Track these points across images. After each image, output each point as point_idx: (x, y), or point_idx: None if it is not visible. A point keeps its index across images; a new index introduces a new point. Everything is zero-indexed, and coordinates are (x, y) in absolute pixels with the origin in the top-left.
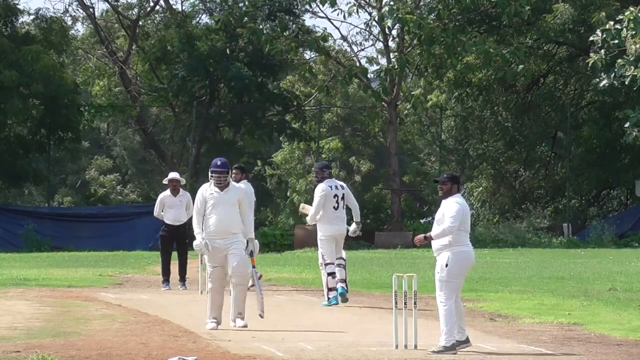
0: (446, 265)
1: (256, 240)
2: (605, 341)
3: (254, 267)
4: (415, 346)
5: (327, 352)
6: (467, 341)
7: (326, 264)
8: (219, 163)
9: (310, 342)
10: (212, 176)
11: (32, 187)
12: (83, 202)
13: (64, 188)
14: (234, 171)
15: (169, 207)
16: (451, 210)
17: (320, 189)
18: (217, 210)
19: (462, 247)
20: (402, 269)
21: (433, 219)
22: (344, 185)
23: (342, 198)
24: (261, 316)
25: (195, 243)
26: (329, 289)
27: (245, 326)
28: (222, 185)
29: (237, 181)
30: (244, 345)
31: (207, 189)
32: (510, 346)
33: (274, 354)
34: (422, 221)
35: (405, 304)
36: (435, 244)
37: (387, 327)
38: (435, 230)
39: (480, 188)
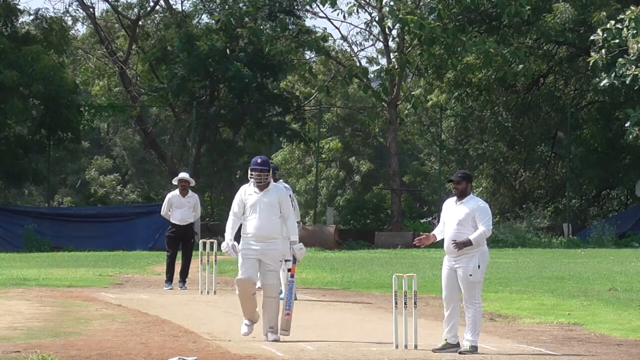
0: (478, 267)
1: (301, 245)
2: (605, 341)
3: (292, 276)
4: (415, 346)
5: (327, 352)
6: (458, 345)
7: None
8: (259, 161)
9: (310, 342)
10: (251, 175)
11: (32, 187)
12: (83, 202)
13: (64, 188)
14: None
15: (176, 207)
16: (485, 213)
17: None
18: (256, 213)
19: (486, 246)
20: (402, 269)
21: (434, 219)
22: (289, 187)
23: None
24: (284, 333)
25: (222, 245)
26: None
27: (277, 340)
28: (262, 185)
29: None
30: (244, 345)
31: (247, 190)
32: (510, 346)
33: (274, 354)
34: (422, 221)
35: (405, 304)
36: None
37: (387, 327)
38: (472, 234)
39: (481, 188)
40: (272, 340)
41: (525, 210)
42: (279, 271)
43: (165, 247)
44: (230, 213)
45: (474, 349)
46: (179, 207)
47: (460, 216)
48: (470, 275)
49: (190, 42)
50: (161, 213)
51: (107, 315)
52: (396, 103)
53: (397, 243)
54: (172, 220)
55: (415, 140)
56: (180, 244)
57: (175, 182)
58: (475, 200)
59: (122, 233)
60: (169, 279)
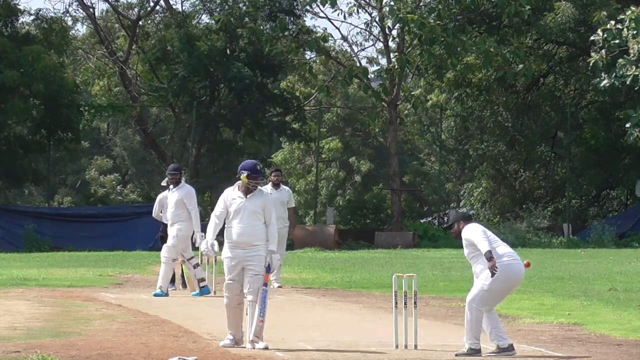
0: (492, 275)
1: (278, 255)
2: (605, 341)
3: (265, 285)
4: (415, 346)
5: (327, 352)
6: (511, 348)
7: (189, 259)
8: (258, 167)
9: (310, 342)
10: (250, 182)
11: (32, 187)
12: (83, 202)
13: (64, 188)
14: (273, 174)
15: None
16: (475, 239)
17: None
18: (239, 218)
19: (510, 261)
20: (402, 269)
21: (434, 218)
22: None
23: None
24: (254, 342)
25: (202, 246)
26: (200, 280)
27: (267, 348)
28: (250, 191)
29: (278, 183)
30: (244, 345)
31: (231, 194)
32: None
33: (274, 354)
34: (422, 221)
35: (405, 304)
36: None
37: (387, 327)
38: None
39: (480, 188)
40: (262, 348)
41: (525, 210)
42: (264, 275)
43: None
44: (212, 215)
45: (471, 352)
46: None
47: (466, 251)
48: (484, 279)
49: (191, 42)
50: (153, 215)
51: (107, 315)
52: (396, 103)
53: (397, 243)
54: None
55: (415, 140)
56: None
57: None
58: (465, 232)
59: (122, 233)
60: (172, 280)
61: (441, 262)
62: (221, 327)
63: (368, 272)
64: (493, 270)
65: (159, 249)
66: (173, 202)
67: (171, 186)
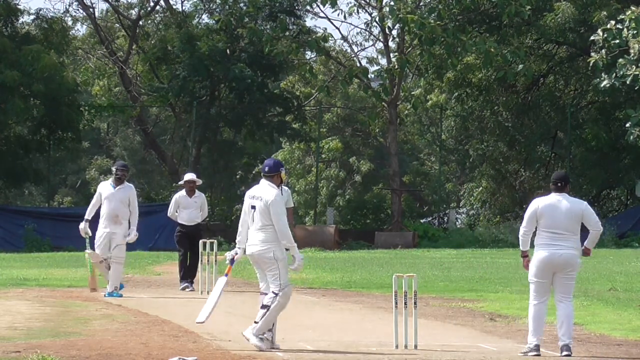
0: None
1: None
2: (605, 341)
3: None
4: (415, 346)
5: (327, 352)
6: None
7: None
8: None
9: (310, 342)
10: (285, 176)
11: (32, 187)
12: (83, 202)
13: (64, 188)
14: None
15: (183, 208)
16: (524, 218)
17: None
18: None
19: (538, 248)
20: (402, 269)
21: (434, 218)
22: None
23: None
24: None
25: (298, 260)
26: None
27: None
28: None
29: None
30: (244, 345)
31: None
32: (510, 346)
33: (274, 354)
34: (422, 221)
35: (405, 304)
36: None
37: (387, 327)
38: None
39: (481, 188)
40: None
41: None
42: None
43: (177, 247)
44: (286, 221)
45: (527, 350)
46: (186, 208)
47: None
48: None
49: (191, 42)
50: (168, 214)
51: (107, 315)
52: (396, 103)
53: (397, 243)
54: (180, 221)
55: (415, 140)
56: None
57: (181, 183)
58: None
59: None
60: (183, 277)
61: (441, 262)
62: (221, 327)
63: (368, 272)
64: (525, 268)
65: (159, 249)
66: (118, 200)
67: (112, 183)
